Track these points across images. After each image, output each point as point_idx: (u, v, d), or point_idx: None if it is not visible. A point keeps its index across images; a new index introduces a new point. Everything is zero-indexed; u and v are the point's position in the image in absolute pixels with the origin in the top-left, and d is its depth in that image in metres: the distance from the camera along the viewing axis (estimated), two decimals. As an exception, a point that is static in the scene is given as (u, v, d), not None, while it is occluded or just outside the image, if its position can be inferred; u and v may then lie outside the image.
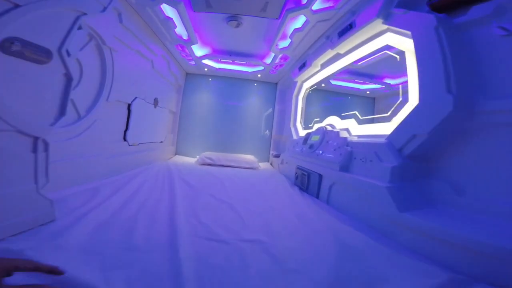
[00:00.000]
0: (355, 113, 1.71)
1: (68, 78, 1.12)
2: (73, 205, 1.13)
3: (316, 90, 3.12)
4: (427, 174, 1.10)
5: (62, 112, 1.08)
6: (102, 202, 1.21)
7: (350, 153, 1.39)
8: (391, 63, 2.34)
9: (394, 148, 1.14)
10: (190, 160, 3.29)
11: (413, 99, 1.22)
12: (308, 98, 3.10)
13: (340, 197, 1.43)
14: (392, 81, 2.95)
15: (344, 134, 1.61)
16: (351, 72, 2.85)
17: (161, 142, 3.04)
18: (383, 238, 1.02)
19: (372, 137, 1.41)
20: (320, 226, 1.13)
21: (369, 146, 1.27)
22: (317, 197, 1.64)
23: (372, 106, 3.17)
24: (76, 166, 1.47)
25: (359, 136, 1.52)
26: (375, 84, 3.13)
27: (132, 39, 1.97)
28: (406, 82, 2.78)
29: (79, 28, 1.18)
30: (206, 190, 1.66)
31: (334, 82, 3.27)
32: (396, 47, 1.50)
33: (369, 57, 1.89)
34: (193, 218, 1.15)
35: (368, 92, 3.33)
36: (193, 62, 3.24)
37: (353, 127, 1.64)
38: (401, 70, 2.62)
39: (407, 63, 1.39)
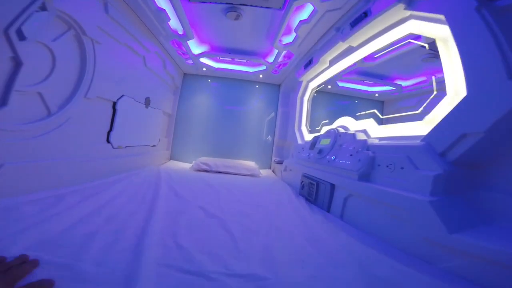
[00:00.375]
0: (373, 112, 1.46)
1: (17, 63, 0.89)
2: (24, 215, 0.90)
3: (322, 93, 2.91)
4: (479, 184, 0.83)
5: (3, 101, 0.85)
6: (60, 213, 0.97)
7: (372, 159, 1.13)
8: (405, 60, 2.12)
9: (435, 152, 0.88)
10: (186, 165, 3.04)
11: (453, 91, 0.97)
12: (313, 102, 2.88)
13: (358, 212, 1.16)
14: (404, 83, 2.75)
15: (361, 136, 1.35)
16: (360, 72, 2.67)
17: (154, 145, 2.80)
18: (425, 265, 0.77)
19: (398, 139, 1.15)
20: (338, 251, 0.86)
21: (398, 150, 1.01)
22: (328, 210, 1.37)
23: (381, 110, 2.96)
24: (43, 168, 1.24)
25: (380, 139, 1.26)
26: (385, 85, 2.95)
27: (120, 31, 1.77)
28: (422, 81, 2.55)
29: (43, 9, 0.97)
30: (196, 201, 1.39)
31: (341, 84, 3.09)
32: (424, 35, 1.27)
33: (387, 49, 1.65)
34: (170, 238, 0.89)
35: (377, 95, 3.15)
36: (190, 61, 3.03)
37: (372, 128, 1.38)
38: (415, 69, 2.41)
39: (440, 52, 1.15)
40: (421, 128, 1.05)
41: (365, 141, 1.24)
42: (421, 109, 1.11)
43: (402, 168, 0.95)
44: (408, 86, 2.62)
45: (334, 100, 3.27)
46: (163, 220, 1.05)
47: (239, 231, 0.99)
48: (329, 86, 2.94)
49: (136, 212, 1.14)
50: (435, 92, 1.09)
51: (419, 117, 1.13)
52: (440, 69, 2.21)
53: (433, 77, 1.15)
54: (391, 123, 1.31)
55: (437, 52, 1.79)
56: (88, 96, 1.52)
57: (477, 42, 0.84)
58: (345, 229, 1.09)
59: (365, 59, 2.07)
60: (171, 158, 3.43)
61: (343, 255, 0.83)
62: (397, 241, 0.92)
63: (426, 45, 1.28)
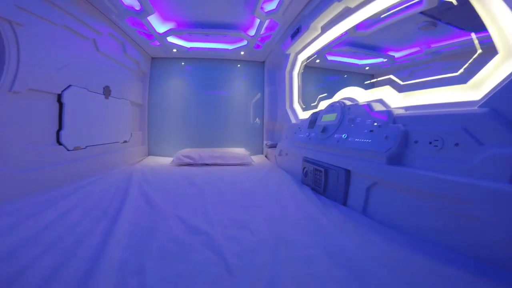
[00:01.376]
0: (389, 78, 1.17)
1: None
2: None
3: (308, 68, 2.66)
4: None
5: None
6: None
7: (405, 134, 0.85)
8: (400, 29, 1.80)
9: (507, 120, 0.61)
10: (166, 161, 2.67)
11: (505, 49, 0.71)
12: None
13: (389, 207, 0.89)
14: (396, 54, 2.58)
15: (379, 107, 1.06)
16: (351, 43, 2.47)
17: (125, 141, 2.41)
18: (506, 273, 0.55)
19: (432, 107, 0.87)
20: (385, 273, 0.59)
21: (446, 120, 0.74)
22: (344, 203, 1.11)
23: (371, 84, 2.81)
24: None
25: (406, 109, 0.98)
26: (377, 57, 2.76)
27: (52, 10, 1.39)
28: (415, 52, 2.36)
29: None
30: (174, 209, 1.07)
31: (330, 58, 2.87)
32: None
33: (389, 11, 1.39)
34: (133, 277, 0.58)
35: (367, 68, 2.97)
36: (156, 42, 2.58)
37: (391, 97, 1.09)
38: (409, 39, 2.21)
39: (477, 9, 0.89)
40: (464, 93, 0.79)
41: (389, 112, 0.95)
42: (461, 70, 0.83)
43: (456, 144, 0.68)
44: (400, 57, 2.44)
45: (321, 76, 3.05)
46: (125, 246, 0.73)
47: (235, 255, 0.69)
48: (318, 61, 2.69)
49: (89, 233, 0.82)
50: (479, 51, 0.81)
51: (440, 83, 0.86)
52: (436, 39, 1.97)
53: (473, 34, 0.87)
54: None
55: (435, 19, 1.54)
56: (14, 89, 1.18)
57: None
58: (377, 230, 0.82)
59: (358, 27, 1.83)
60: (149, 153, 3.04)
61: (400, 283, 0.56)
62: (457, 243, 0.66)
63: (454, 1, 0.98)
